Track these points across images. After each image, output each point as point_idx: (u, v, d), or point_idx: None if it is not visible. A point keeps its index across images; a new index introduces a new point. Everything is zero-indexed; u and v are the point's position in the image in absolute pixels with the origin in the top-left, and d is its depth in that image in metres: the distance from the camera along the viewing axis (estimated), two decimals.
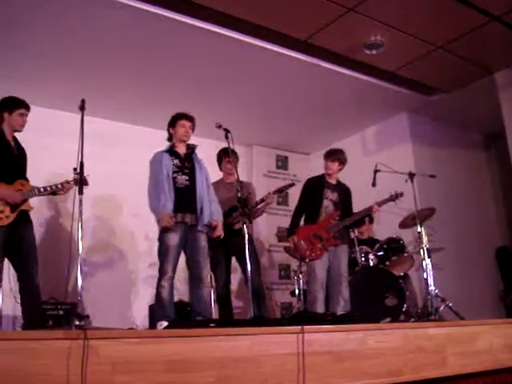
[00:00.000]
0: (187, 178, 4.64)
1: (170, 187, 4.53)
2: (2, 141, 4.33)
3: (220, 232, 4.69)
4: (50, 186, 4.42)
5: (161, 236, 4.54)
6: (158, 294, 4.43)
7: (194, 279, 4.56)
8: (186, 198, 4.57)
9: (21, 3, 4.55)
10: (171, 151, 4.74)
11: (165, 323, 4.21)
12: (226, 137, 4.34)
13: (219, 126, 4.34)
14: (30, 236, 4.35)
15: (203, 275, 4.54)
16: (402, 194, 5.40)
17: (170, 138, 4.86)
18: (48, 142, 5.91)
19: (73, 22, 4.86)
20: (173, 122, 4.81)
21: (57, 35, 5.05)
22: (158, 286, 4.43)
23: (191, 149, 4.83)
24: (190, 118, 4.79)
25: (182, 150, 4.78)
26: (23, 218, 4.31)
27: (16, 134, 4.48)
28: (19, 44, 5.15)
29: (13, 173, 4.33)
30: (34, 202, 4.51)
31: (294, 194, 6.75)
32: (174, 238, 4.46)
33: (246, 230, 4.08)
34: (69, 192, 4.45)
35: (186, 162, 4.73)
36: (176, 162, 4.68)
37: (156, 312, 4.53)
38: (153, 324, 5.24)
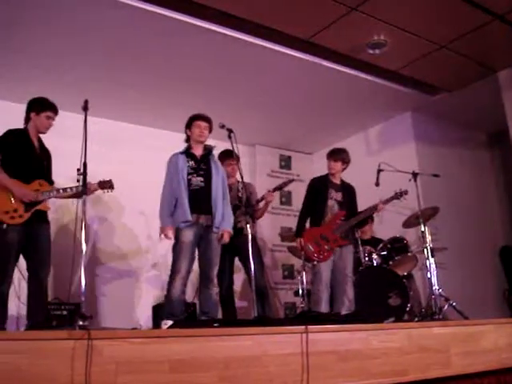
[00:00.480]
0: (202, 179, 4.65)
1: (184, 190, 4.55)
2: (25, 140, 4.33)
3: (226, 240, 4.68)
4: (71, 188, 4.31)
5: (176, 233, 4.52)
6: (168, 292, 4.42)
7: (204, 278, 4.57)
8: (200, 200, 4.57)
9: (21, 3, 4.55)
10: (187, 153, 4.74)
11: (170, 322, 4.19)
12: (229, 137, 4.34)
13: (222, 126, 4.35)
14: (44, 236, 4.31)
15: (213, 275, 4.54)
16: (406, 192, 5.39)
17: (187, 140, 4.86)
18: (51, 143, 5.91)
19: (75, 22, 4.86)
20: (189, 124, 4.81)
21: (59, 35, 5.05)
22: (169, 284, 4.43)
23: (208, 150, 4.82)
24: (206, 119, 4.78)
25: (198, 151, 4.78)
26: (39, 218, 4.27)
27: None
28: (20, 45, 5.16)
29: (32, 172, 4.30)
30: None
31: (297, 193, 6.77)
32: (188, 235, 4.46)
33: (249, 229, 4.09)
34: (93, 193, 4.43)
35: (202, 163, 4.73)
36: (191, 163, 4.69)
37: (164, 309, 4.51)
38: (156, 324, 5.25)
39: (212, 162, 4.76)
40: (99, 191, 4.49)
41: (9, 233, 4.05)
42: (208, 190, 4.62)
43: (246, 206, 4.68)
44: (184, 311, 4.55)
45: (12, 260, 4.11)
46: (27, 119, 4.39)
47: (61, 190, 4.32)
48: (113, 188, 4.45)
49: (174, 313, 4.35)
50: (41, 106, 4.37)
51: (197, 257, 4.64)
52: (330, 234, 5.16)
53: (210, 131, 4.81)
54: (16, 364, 2.20)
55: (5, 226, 4.03)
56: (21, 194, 4.14)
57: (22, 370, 2.20)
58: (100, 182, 4.39)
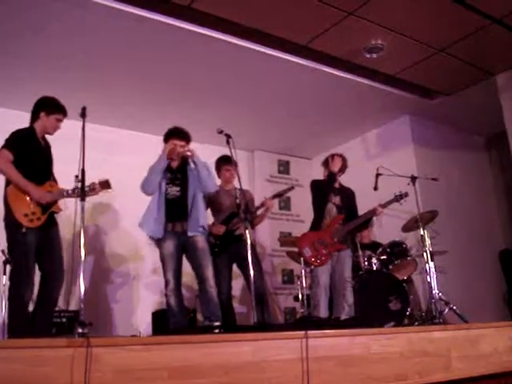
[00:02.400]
0: (178, 188, 4.74)
1: (161, 200, 4.67)
2: (34, 141, 4.27)
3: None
4: (74, 189, 4.19)
5: (157, 246, 4.68)
6: (167, 303, 4.57)
7: (200, 281, 4.61)
8: (176, 208, 4.66)
9: (18, 9, 4.56)
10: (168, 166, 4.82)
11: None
12: (228, 142, 4.34)
13: (220, 132, 4.35)
14: (58, 241, 4.30)
15: (207, 275, 4.56)
16: (407, 194, 5.37)
17: None
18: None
19: (73, 29, 4.87)
20: (166, 139, 4.86)
21: (56, 42, 5.06)
22: (165, 295, 4.57)
23: (184, 160, 4.84)
24: (183, 137, 4.81)
25: (175, 163, 4.85)
26: (52, 221, 4.26)
27: None
28: (17, 51, 5.17)
29: (43, 174, 4.27)
30: None
31: (296, 198, 6.77)
32: (168, 247, 4.59)
33: (248, 235, 4.08)
34: (98, 194, 4.38)
35: (178, 173, 4.80)
36: (168, 175, 4.78)
37: (169, 321, 4.59)
38: (156, 331, 5.24)
39: (189, 171, 4.79)
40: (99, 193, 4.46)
41: (28, 236, 4.00)
42: (184, 198, 4.70)
43: (245, 212, 4.68)
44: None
45: (32, 264, 4.06)
46: (35, 118, 4.31)
47: (70, 191, 4.22)
48: (110, 187, 4.42)
49: (178, 321, 4.49)
50: (52, 108, 4.32)
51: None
52: (328, 238, 5.16)
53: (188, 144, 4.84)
54: (15, 372, 2.19)
55: (24, 229, 3.98)
56: (38, 195, 4.09)
57: (21, 377, 2.20)
58: (100, 182, 4.34)
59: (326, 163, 5.50)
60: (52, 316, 4.43)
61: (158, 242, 4.64)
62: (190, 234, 4.60)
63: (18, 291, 3.96)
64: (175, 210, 4.65)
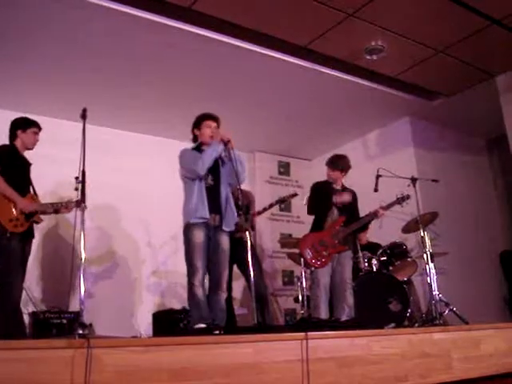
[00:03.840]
0: (212, 177, 4.50)
1: (204, 184, 4.45)
2: (16, 155, 4.55)
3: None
4: (52, 204, 4.60)
5: (186, 234, 4.39)
6: (192, 294, 4.24)
7: (213, 283, 4.40)
8: (210, 199, 4.41)
9: (18, 10, 4.57)
10: (199, 150, 4.57)
11: (202, 326, 4.04)
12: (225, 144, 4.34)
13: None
14: (30, 250, 4.54)
15: (222, 280, 4.37)
16: (408, 197, 5.35)
17: (194, 139, 4.70)
18: (50, 152, 5.92)
19: (73, 30, 4.88)
20: (197, 123, 4.65)
21: (57, 44, 5.07)
22: (191, 286, 4.24)
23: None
24: (216, 118, 4.64)
25: None
26: (31, 231, 4.51)
27: None
28: (16, 54, 5.18)
29: (25, 187, 4.55)
30: None
31: (297, 200, 6.76)
32: (199, 235, 4.32)
33: (248, 236, 4.08)
34: (71, 211, 4.58)
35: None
36: None
37: (191, 313, 4.33)
38: (157, 332, 5.23)
39: (219, 160, 4.57)
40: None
41: (12, 240, 4.26)
42: (217, 189, 4.50)
43: (246, 213, 4.67)
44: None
45: (19, 266, 4.31)
46: (14, 137, 4.59)
47: (53, 204, 4.59)
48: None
49: (204, 315, 4.19)
50: (26, 123, 4.62)
51: None
52: (329, 239, 5.15)
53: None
54: (15, 373, 2.19)
55: (8, 234, 4.24)
56: (23, 204, 4.38)
57: (21, 379, 2.20)
58: (77, 201, 4.39)
59: (332, 166, 5.43)
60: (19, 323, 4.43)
61: (189, 231, 4.34)
62: (225, 228, 4.40)
63: (8, 294, 4.14)
64: (211, 201, 4.41)
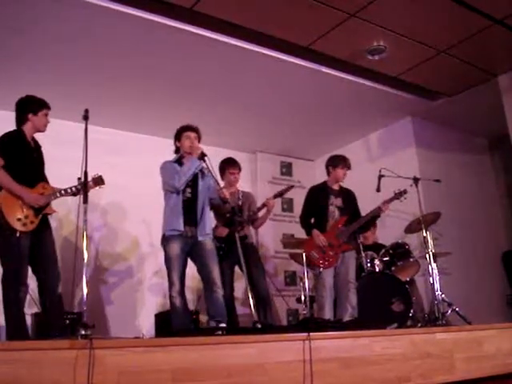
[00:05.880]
0: (190, 190, 4.68)
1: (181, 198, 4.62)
2: (23, 143, 4.26)
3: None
4: (71, 188, 4.27)
5: (163, 246, 4.62)
6: (172, 305, 4.48)
7: (207, 283, 4.54)
8: (188, 211, 4.61)
9: (19, 11, 4.57)
10: (179, 163, 4.75)
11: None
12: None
13: None
14: (51, 241, 4.28)
15: (214, 277, 4.50)
16: (405, 191, 5.37)
17: (176, 151, 4.88)
18: (53, 152, 5.92)
19: (75, 31, 4.88)
20: (178, 135, 4.82)
21: (59, 44, 5.06)
22: (170, 297, 4.49)
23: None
24: (195, 129, 4.79)
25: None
26: (45, 223, 4.25)
27: None
28: (18, 54, 5.18)
29: (34, 176, 4.27)
30: None
31: (299, 200, 6.75)
32: (175, 249, 4.51)
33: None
34: (90, 191, 4.39)
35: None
36: None
37: (172, 322, 4.51)
38: (159, 332, 5.24)
39: (199, 173, 4.74)
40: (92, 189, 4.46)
41: (21, 240, 4.01)
42: (195, 202, 4.66)
43: (238, 214, 4.69)
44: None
45: (26, 267, 4.08)
46: (23, 120, 4.30)
47: (63, 191, 4.26)
48: (104, 183, 4.40)
49: (183, 325, 4.42)
50: (38, 105, 4.31)
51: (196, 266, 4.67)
52: (334, 239, 5.17)
53: (199, 140, 4.80)
54: (17, 374, 2.20)
55: (18, 233, 3.99)
56: (31, 199, 4.10)
57: (24, 380, 2.20)
58: (93, 178, 4.33)
59: (345, 164, 5.45)
60: (62, 314, 4.41)
61: (166, 243, 4.57)
62: (200, 238, 4.56)
63: (13, 295, 3.97)
64: (187, 213, 4.59)
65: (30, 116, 4.29)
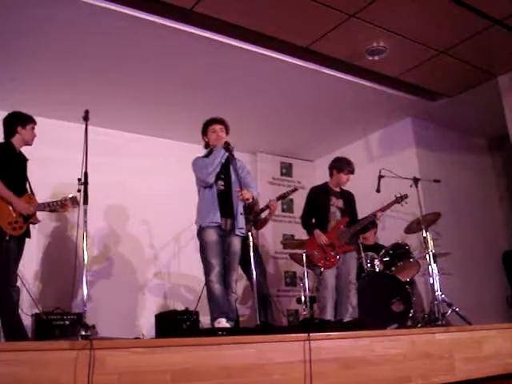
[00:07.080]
0: (223, 183, 4.59)
1: (215, 191, 4.55)
2: (13, 154, 4.47)
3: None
4: (49, 203, 4.52)
5: (199, 236, 4.50)
6: (210, 291, 4.32)
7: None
8: (223, 204, 4.51)
9: (19, 11, 4.57)
10: (208, 156, 4.68)
11: (223, 320, 4.15)
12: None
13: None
14: (22, 251, 4.45)
15: (232, 280, 4.45)
16: (406, 196, 5.40)
17: (206, 145, 4.81)
18: (53, 153, 5.93)
19: (76, 32, 4.88)
20: (204, 130, 4.77)
21: (59, 45, 5.07)
22: (208, 282, 4.33)
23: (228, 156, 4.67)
24: (220, 121, 4.74)
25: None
26: (27, 232, 4.43)
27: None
28: (19, 55, 5.18)
29: (22, 186, 4.47)
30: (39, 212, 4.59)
31: (299, 200, 6.76)
32: (212, 235, 4.41)
33: (251, 237, 4.08)
34: (68, 211, 4.56)
35: (223, 168, 4.62)
36: None
37: (211, 310, 4.35)
38: (160, 333, 5.23)
39: (231, 166, 4.63)
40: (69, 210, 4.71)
41: (11, 243, 4.22)
42: (229, 193, 4.57)
43: (249, 213, 4.66)
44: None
45: (15, 269, 4.30)
46: (11, 133, 4.49)
47: (46, 204, 4.51)
48: (78, 204, 4.46)
49: (224, 310, 4.26)
50: (26, 119, 4.54)
51: None
52: (336, 240, 5.17)
53: (227, 131, 4.75)
54: (18, 375, 2.20)
55: (7, 237, 4.19)
56: (21, 207, 4.31)
57: (24, 380, 2.20)
58: (71, 197, 4.51)
59: (349, 169, 5.46)
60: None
61: (203, 232, 4.44)
62: (237, 232, 4.49)
63: (6, 297, 4.14)
64: (222, 206, 4.50)
65: (18, 129, 4.50)
